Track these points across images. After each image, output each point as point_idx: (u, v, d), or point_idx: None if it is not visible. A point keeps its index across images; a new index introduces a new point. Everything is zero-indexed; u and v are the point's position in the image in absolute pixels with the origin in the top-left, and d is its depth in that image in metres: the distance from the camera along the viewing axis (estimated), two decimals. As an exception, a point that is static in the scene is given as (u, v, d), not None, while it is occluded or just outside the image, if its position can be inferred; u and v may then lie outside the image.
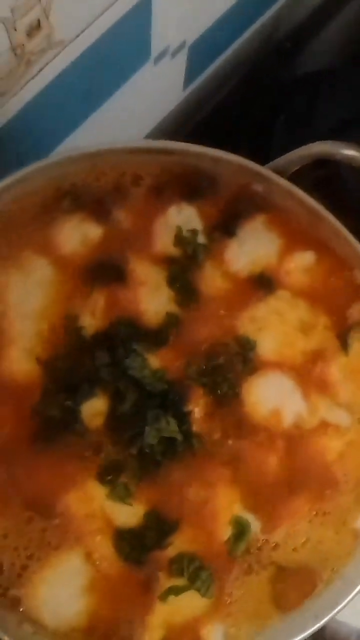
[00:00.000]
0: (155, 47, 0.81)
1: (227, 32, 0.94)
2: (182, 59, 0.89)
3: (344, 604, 0.55)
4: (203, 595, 0.57)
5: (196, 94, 0.98)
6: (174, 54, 0.86)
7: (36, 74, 0.64)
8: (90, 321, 0.59)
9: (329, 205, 0.58)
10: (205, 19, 0.85)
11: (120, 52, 0.75)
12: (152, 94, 0.88)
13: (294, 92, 1.00)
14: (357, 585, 0.56)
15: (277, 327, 0.61)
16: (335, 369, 0.61)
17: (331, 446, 0.60)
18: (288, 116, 0.96)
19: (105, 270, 0.60)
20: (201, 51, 0.90)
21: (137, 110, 0.86)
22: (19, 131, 0.68)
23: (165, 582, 0.57)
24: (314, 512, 0.59)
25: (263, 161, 0.62)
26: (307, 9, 1.06)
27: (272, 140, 0.94)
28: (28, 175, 0.57)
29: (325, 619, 0.55)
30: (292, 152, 0.58)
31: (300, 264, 0.61)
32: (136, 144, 0.60)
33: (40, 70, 0.65)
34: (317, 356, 0.61)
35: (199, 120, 1.00)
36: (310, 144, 0.57)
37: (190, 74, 0.93)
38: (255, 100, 1.04)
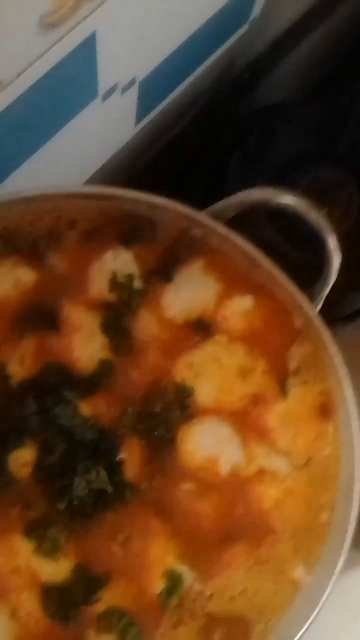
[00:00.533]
0: (103, 84, 0.80)
1: (180, 67, 0.93)
2: (132, 95, 0.88)
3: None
4: (133, 651, 0.55)
5: (149, 129, 0.98)
6: (124, 90, 0.86)
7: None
8: (19, 369, 0.58)
9: (265, 251, 0.58)
10: (156, 54, 0.84)
11: (65, 91, 0.74)
12: (101, 131, 0.87)
13: (249, 127, 1.00)
14: (294, 637, 0.55)
15: (215, 373, 0.60)
16: (274, 415, 0.60)
17: (268, 494, 0.58)
18: (243, 151, 0.96)
19: (37, 316, 0.59)
20: (153, 87, 0.89)
21: (86, 147, 0.85)
22: None
23: (95, 638, 0.55)
24: (251, 562, 0.58)
25: (217, 198, 0.61)
26: (264, 43, 1.06)
27: (226, 176, 0.94)
28: None
29: None
30: (230, 197, 0.57)
31: (239, 309, 0.60)
32: (71, 189, 0.59)
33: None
34: (255, 402, 0.60)
35: (151, 157, 0.99)
36: (249, 190, 0.56)
37: (142, 110, 0.93)
38: (210, 135, 1.04)
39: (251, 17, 0.93)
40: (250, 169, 0.94)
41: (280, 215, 0.59)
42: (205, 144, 1.03)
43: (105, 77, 0.78)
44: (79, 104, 0.78)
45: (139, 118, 0.93)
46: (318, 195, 0.64)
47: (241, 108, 1.09)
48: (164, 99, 0.95)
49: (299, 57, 1.11)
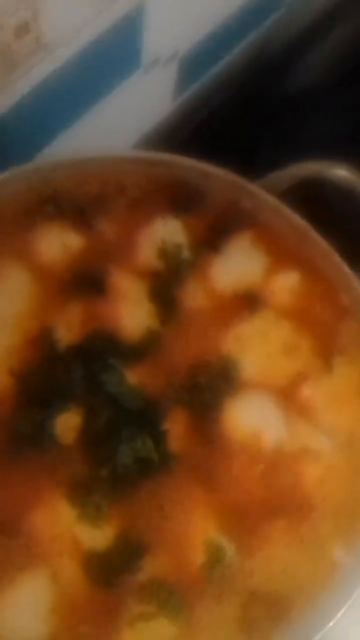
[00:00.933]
0: (147, 55, 0.80)
1: (219, 45, 0.93)
2: (173, 69, 0.88)
3: (318, 636, 0.54)
4: (172, 622, 0.55)
5: (185, 106, 0.97)
6: (166, 63, 0.85)
7: (23, 76, 0.63)
8: (66, 334, 0.57)
9: (316, 225, 0.57)
10: (199, 30, 0.84)
11: (110, 59, 0.74)
12: (141, 104, 0.87)
13: (282, 110, 1.00)
14: (331, 618, 0.54)
15: (261, 348, 0.59)
16: (319, 393, 0.59)
17: (310, 471, 0.58)
18: (275, 134, 0.96)
19: (84, 282, 0.58)
20: (192, 63, 0.89)
21: (125, 118, 0.85)
22: (3, 134, 0.66)
23: (134, 607, 0.55)
24: (292, 539, 0.57)
25: (251, 177, 0.61)
26: (298, 28, 1.06)
27: (258, 158, 0.93)
28: (8, 179, 0.55)
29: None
30: (282, 170, 0.57)
31: (286, 284, 0.60)
32: (122, 153, 0.58)
33: (28, 72, 0.63)
34: (300, 379, 0.59)
35: (186, 133, 0.99)
36: (301, 163, 0.56)
37: (181, 85, 0.93)
38: (244, 116, 1.04)
39: (288, 0, 0.93)
40: (282, 151, 0.93)
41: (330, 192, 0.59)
42: (237, 125, 1.02)
43: (150, 48, 0.78)
44: (123, 74, 0.78)
45: (177, 93, 0.93)
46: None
47: (273, 92, 1.08)
48: (201, 76, 0.95)
49: (333, 42, 1.10)
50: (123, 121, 0.85)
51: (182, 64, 0.87)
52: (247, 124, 1.01)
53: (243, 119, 1.02)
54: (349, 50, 1.14)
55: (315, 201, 0.62)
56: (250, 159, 0.94)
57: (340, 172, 0.54)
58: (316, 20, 1.07)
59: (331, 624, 0.53)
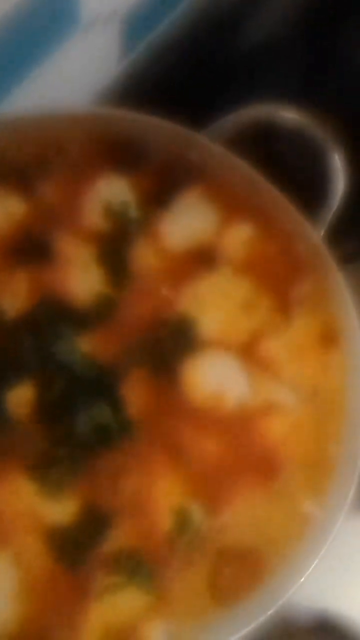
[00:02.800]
0: (84, 15, 0.77)
1: (162, 3, 0.90)
2: (115, 29, 0.85)
3: (291, 592, 0.53)
4: (142, 592, 0.53)
5: (132, 68, 0.95)
6: (106, 22, 0.82)
7: None
8: (13, 304, 0.55)
9: (266, 173, 0.55)
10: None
11: (46, 16, 0.71)
12: (85, 66, 0.84)
13: (234, 67, 0.97)
14: (304, 572, 0.53)
15: (220, 305, 0.57)
16: (279, 347, 0.58)
17: (275, 427, 0.56)
18: (228, 92, 0.93)
19: (29, 249, 0.56)
20: (135, 22, 0.86)
21: (69, 82, 0.82)
22: None
23: (103, 580, 0.53)
24: (262, 496, 0.56)
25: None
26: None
27: (210, 118, 0.91)
28: None
29: (274, 608, 0.52)
30: (228, 116, 0.54)
31: (240, 237, 0.58)
32: (60, 110, 0.55)
33: None
34: (260, 334, 0.58)
35: (135, 95, 0.96)
36: (250, 107, 0.54)
37: (126, 46, 0.90)
38: (195, 75, 1.01)
39: None
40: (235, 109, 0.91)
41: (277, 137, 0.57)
42: (189, 84, 1.00)
43: (87, 6, 0.75)
44: (61, 35, 0.75)
45: (122, 54, 0.90)
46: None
47: (226, 47, 1.06)
48: (146, 35, 0.92)
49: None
50: (67, 84, 0.82)
51: (124, 24, 0.84)
52: (199, 83, 0.99)
53: (195, 78, 1.00)
54: (297, 9, 1.12)
55: (263, 147, 0.60)
56: (203, 120, 0.91)
57: (288, 115, 0.52)
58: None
59: (303, 579, 0.52)
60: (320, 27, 1.08)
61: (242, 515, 0.55)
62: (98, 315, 0.56)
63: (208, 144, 0.55)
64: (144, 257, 0.57)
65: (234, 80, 0.95)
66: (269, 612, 0.52)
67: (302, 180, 0.57)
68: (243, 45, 1.05)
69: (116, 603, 0.53)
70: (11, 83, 0.72)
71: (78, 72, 0.82)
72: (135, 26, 0.87)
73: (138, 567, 0.53)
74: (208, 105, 0.93)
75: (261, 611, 0.53)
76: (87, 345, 0.55)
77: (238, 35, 1.06)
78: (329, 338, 0.58)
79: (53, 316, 0.55)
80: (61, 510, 0.53)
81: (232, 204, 0.58)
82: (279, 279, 0.58)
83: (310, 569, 0.54)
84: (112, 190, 0.57)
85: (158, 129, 0.55)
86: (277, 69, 0.96)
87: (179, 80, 0.99)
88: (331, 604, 1.29)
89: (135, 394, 0.55)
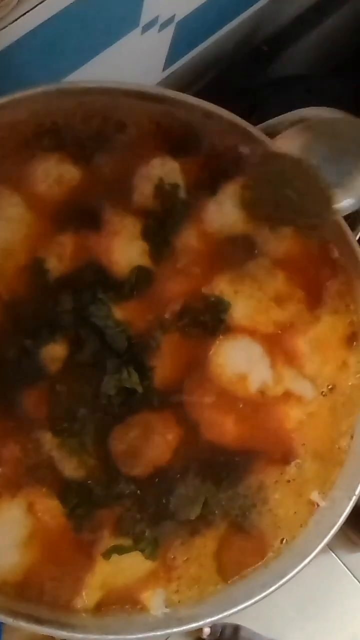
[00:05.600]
0: (146, 14, 0.80)
1: (213, 17, 0.94)
2: (168, 35, 0.88)
3: (292, 574, 0.54)
4: (147, 557, 0.55)
5: (172, 80, 0.98)
6: (162, 27, 0.86)
7: (28, 11, 0.62)
8: (57, 265, 0.57)
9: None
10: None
11: (111, 9, 0.73)
12: (133, 67, 0.87)
13: (267, 94, 1.00)
14: (306, 557, 0.55)
15: (254, 294, 0.59)
16: (304, 341, 0.60)
17: (292, 415, 0.59)
18: (260, 118, 0.97)
19: (79, 215, 0.58)
20: (186, 31, 0.90)
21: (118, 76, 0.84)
22: (3, 69, 0.65)
23: (109, 541, 0.55)
24: (273, 479, 0.58)
25: None
26: (287, 17, 1.07)
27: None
28: (10, 103, 0.54)
29: (272, 589, 0.53)
30: (283, 115, 0.57)
31: (279, 232, 0.60)
32: (128, 85, 0.58)
33: (32, 8, 0.63)
34: (288, 326, 0.60)
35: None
36: (302, 109, 0.57)
37: (172, 55, 0.93)
38: (229, 98, 1.05)
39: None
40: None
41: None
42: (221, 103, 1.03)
43: (150, 6, 0.78)
44: (121, 30, 0.78)
45: (167, 63, 0.93)
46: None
47: (259, 78, 1.10)
48: (193, 49, 0.95)
49: (320, 35, 1.12)
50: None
51: (177, 31, 0.88)
52: (231, 107, 1.02)
53: (227, 102, 1.03)
54: (338, 42, 1.17)
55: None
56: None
57: (338, 116, 0.55)
58: (308, 9, 1.08)
59: (307, 561, 0.54)
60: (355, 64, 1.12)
61: (254, 495, 0.57)
62: (136, 286, 0.57)
63: (262, 137, 0.57)
64: (186, 238, 0.59)
65: (268, 104, 0.99)
66: (269, 591, 0.53)
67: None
68: (278, 72, 1.09)
69: (120, 565, 0.54)
70: (72, 64, 0.74)
71: (125, 71, 0.85)
72: (185, 38, 0.91)
73: (144, 532, 0.55)
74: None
75: (262, 590, 0.54)
76: (122, 313, 0.57)
77: (275, 64, 1.10)
78: (352, 338, 0.60)
79: (93, 281, 0.57)
80: (78, 466, 0.54)
81: (275, 199, 0.60)
82: (312, 276, 0.60)
83: (311, 557, 0.56)
84: (164, 171, 0.59)
85: (218, 116, 0.57)
86: (309, 98, 0.99)
87: (213, 98, 1.03)
88: (295, 639, 1.29)
89: (163, 364, 0.56)
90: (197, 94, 1.02)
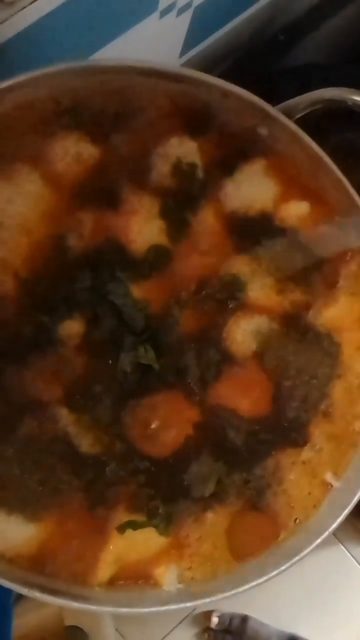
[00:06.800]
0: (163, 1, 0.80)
1: (231, 4, 0.93)
2: (185, 20, 0.88)
3: (304, 553, 0.54)
4: (160, 533, 0.55)
5: (189, 66, 0.98)
6: (180, 11, 0.86)
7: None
8: (76, 242, 0.57)
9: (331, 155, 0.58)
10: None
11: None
12: (150, 52, 0.87)
13: (285, 83, 1.00)
14: (319, 537, 0.55)
15: (271, 273, 0.59)
16: (320, 322, 0.60)
17: (307, 398, 0.59)
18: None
19: (97, 193, 0.58)
20: (204, 17, 0.90)
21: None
22: (20, 52, 0.65)
23: (124, 516, 0.55)
24: (290, 460, 0.58)
25: None
26: (303, 6, 1.07)
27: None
28: (30, 81, 0.54)
29: (284, 567, 0.54)
30: (302, 95, 0.57)
31: (296, 213, 0.60)
32: (147, 64, 0.58)
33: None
34: (304, 307, 0.60)
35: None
36: (322, 89, 0.56)
37: (189, 41, 0.93)
38: (244, 86, 1.04)
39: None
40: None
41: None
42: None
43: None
44: (139, 14, 0.78)
45: (184, 49, 0.93)
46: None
47: (276, 67, 1.09)
48: (210, 35, 0.95)
49: (337, 24, 1.11)
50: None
51: (194, 17, 0.88)
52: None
53: (244, 86, 1.03)
54: (355, 31, 1.16)
55: (332, 130, 0.63)
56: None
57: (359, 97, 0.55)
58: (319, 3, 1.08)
59: (319, 540, 0.54)
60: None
61: (270, 476, 0.57)
62: (154, 265, 0.58)
63: (280, 117, 0.57)
64: (203, 218, 0.59)
65: (285, 92, 0.98)
66: (282, 569, 0.54)
67: (354, 170, 0.60)
68: (295, 61, 1.09)
69: (134, 540, 0.55)
70: (89, 47, 0.74)
71: (143, 55, 0.85)
72: (202, 24, 0.90)
73: (158, 508, 0.55)
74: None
75: (275, 568, 0.54)
76: (139, 291, 0.57)
77: (292, 52, 1.10)
78: (368, 320, 0.61)
79: (112, 260, 0.57)
80: (94, 442, 0.55)
81: (292, 180, 0.60)
82: (329, 257, 0.60)
83: (324, 536, 0.56)
84: (182, 151, 0.59)
85: (237, 96, 0.57)
86: (326, 87, 0.99)
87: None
88: (302, 630, 1.29)
89: (180, 342, 0.57)
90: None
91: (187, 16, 0.87)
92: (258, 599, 1.34)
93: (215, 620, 1.35)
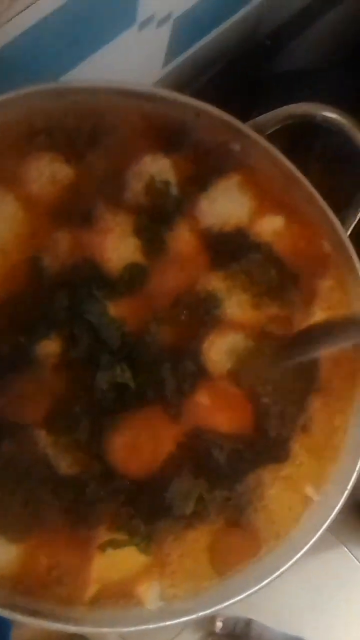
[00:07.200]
0: (142, 11, 0.80)
1: (212, 14, 0.93)
2: (166, 31, 0.88)
3: (285, 567, 0.54)
4: (141, 551, 0.55)
5: (173, 75, 0.98)
6: (160, 23, 0.86)
7: (22, 11, 0.63)
8: (52, 262, 0.57)
9: (302, 169, 0.58)
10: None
11: (107, 7, 0.74)
12: (132, 63, 0.87)
13: (271, 89, 1.00)
14: (299, 550, 0.55)
15: (247, 289, 0.60)
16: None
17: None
18: (262, 113, 0.97)
19: (73, 213, 0.58)
20: (185, 28, 0.90)
21: (116, 74, 0.85)
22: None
23: (105, 536, 0.55)
24: (271, 476, 0.59)
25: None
26: (290, 11, 1.06)
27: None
28: (3, 103, 0.55)
29: (266, 582, 0.54)
30: (273, 111, 0.57)
31: (270, 228, 0.61)
32: (118, 84, 0.58)
33: (26, 8, 0.63)
34: (281, 322, 0.60)
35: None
36: (293, 105, 0.57)
37: (172, 51, 0.93)
38: (229, 94, 1.05)
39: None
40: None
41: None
42: (223, 103, 1.03)
43: (145, 4, 0.78)
44: (117, 28, 0.78)
45: (167, 59, 0.93)
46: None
47: (262, 72, 1.09)
48: (192, 45, 0.95)
49: (323, 28, 1.11)
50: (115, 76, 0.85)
51: (175, 28, 0.88)
52: (233, 101, 1.02)
53: (229, 96, 1.03)
54: (341, 36, 1.16)
55: (303, 144, 0.63)
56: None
57: (331, 114, 0.55)
58: (310, 2, 1.08)
59: (299, 555, 0.54)
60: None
61: (251, 492, 0.57)
62: (130, 283, 0.58)
63: (252, 134, 0.57)
64: (179, 234, 0.59)
65: (271, 97, 0.98)
66: (264, 584, 0.54)
67: (335, 179, 0.60)
68: (282, 66, 1.09)
69: (115, 559, 0.55)
70: (69, 62, 0.75)
71: (124, 68, 0.85)
72: (183, 34, 0.91)
73: (138, 527, 0.55)
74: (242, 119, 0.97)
75: (256, 582, 0.54)
76: (116, 310, 0.57)
77: (278, 58, 1.10)
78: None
79: (88, 278, 0.57)
80: (73, 463, 0.55)
81: (266, 195, 0.60)
82: (304, 272, 0.60)
83: (304, 550, 0.56)
84: (156, 168, 0.59)
85: (207, 114, 0.58)
86: (312, 93, 0.99)
87: (215, 93, 1.03)
88: (307, 633, 1.30)
89: (157, 359, 0.57)
90: (198, 91, 1.02)
91: (167, 27, 0.87)
92: (262, 602, 1.34)
93: (219, 624, 1.35)
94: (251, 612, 1.34)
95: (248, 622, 1.34)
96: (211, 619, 1.36)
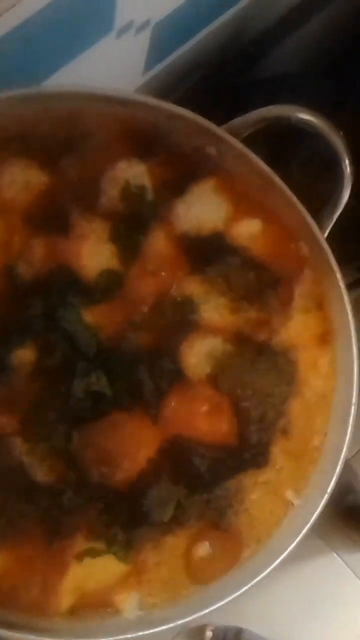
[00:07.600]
0: (120, 18, 0.80)
1: (191, 20, 0.93)
2: (145, 38, 0.88)
3: (265, 573, 0.54)
4: (120, 560, 0.55)
5: (155, 82, 0.97)
6: (138, 30, 0.85)
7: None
8: (27, 269, 0.57)
9: (278, 171, 0.58)
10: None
11: (83, 17, 0.74)
12: (112, 70, 0.87)
13: (252, 95, 1.00)
14: (279, 556, 0.55)
15: (223, 293, 0.59)
16: (277, 340, 0.60)
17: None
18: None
19: (47, 219, 0.58)
20: (164, 35, 0.89)
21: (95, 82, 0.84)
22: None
23: (82, 544, 0.55)
24: (252, 481, 0.58)
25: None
26: (272, 18, 1.06)
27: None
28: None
29: (245, 588, 0.53)
30: (248, 114, 0.57)
31: (248, 231, 0.60)
32: (90, 89, 0.58)
33: (0, 15, 0.63)
34: (259, 326, 0.59)
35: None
36: (267, 107, 0.56)
37: (152, 58, 0.93)
38: (211, 101, 1.04)
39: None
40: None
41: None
42: (205, 110, 1.03)
43: (123, 11, 0.78)
44: (95, 35, 0.78)
45: (147, 66, 0.93)
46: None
47: (245, 79, 1.09)
48: (172, 52, 0.95)
49: (305, 35, 1.11)
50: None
51: (154, 35, 0.88)
52: (215, 108, 1.02)
53: (211, 103, 1.03)
54: (324, 42, 1.16)
55: (279, 147, 0.63)
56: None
57: (305, 116, 0.55)
58: (293, 9, 1.08)
59: (279, 560, 0.54)
60: (340, 64, 1.11)
61: (231, 497, 0.57)
62: (105, 290, 0.57)
63: (228, 138, 0.57)
64: (155, 240, 0.59)
65: (254, 104, 0.98)
66: (242, 591, 0.53)
67: (312, 181, 0.60)
68: (265, 72, 1.09)
69: (93, 568, 0.54)
70: (48, 69, 0.74)
71: (104, 75, 0.85)
72: (163, 41, 0.90)
73: (116, 535, 0.55)
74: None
75: (234, 590, 0.54)
76: (91, 316, 0.57)
77: (260, 64, 1.10)
78: (324, 336, 0.60)
79: (63, 286, 0.57)
80: (49, 471, 0.54)
81: (243, 199, 0.60)
82: (282, 275, 0.60)
83: (284, 555, 0.55)
84: (131, 174, 0.59)
85: (182, 118, 0.57)
86: (294, 98, 0.98)
87: (197, 99, 1.02)
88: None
89: (133, 365, 0.56)
90: (180, 97, 1.02)
91: (146, 34, 0.87)
92: (252, 610, 1.33)
93: (209, 634, 1.34)
94: (242, 621, 1.32)
95: (238, 631, 1.33)
96: (201, 628, 1.34)
